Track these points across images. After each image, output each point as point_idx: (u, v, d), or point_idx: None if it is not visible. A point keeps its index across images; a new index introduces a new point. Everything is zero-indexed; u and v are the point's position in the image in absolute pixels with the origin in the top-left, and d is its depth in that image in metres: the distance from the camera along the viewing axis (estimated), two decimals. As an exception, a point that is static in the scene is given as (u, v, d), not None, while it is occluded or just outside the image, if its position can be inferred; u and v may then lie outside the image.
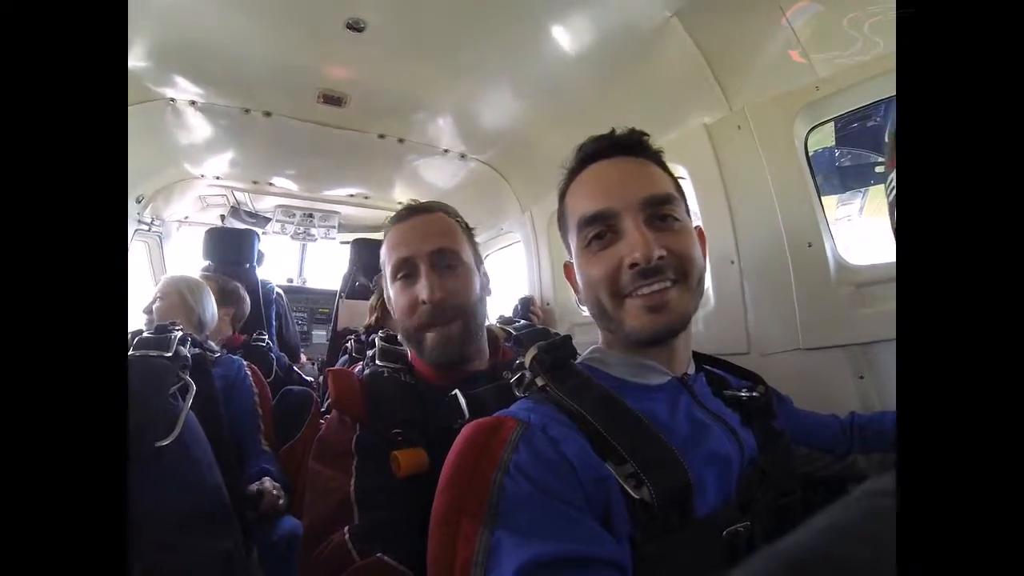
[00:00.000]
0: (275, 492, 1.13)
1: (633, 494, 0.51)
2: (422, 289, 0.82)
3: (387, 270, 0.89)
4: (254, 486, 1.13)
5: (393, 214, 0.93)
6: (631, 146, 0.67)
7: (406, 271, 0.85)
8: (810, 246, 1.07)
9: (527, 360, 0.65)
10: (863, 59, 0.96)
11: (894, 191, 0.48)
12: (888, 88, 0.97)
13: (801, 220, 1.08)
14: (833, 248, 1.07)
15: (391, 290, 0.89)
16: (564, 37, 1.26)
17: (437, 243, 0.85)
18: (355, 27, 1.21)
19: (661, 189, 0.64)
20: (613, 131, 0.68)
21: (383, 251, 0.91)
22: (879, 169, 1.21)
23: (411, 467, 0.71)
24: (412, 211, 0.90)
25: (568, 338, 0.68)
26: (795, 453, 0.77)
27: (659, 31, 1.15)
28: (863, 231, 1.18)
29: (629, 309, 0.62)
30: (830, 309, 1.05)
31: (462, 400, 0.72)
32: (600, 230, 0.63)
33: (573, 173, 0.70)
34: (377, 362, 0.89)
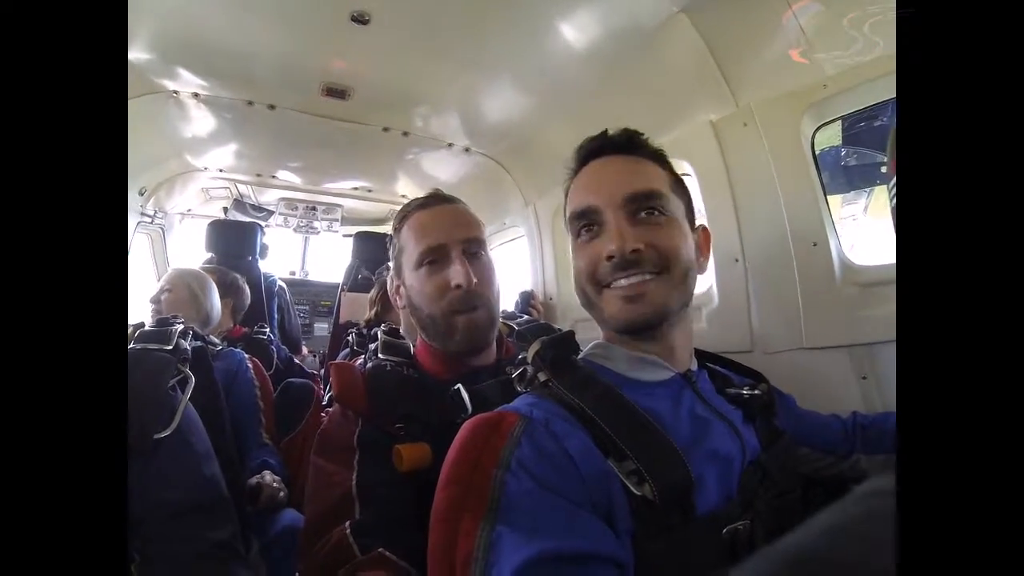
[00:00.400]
0: (275, 485, 1.14)
1: (635, 491, 0.51)
2: (456, 274, 0.81)
3: (409, 256, 0.87)
4: (253, 480, 1.13)
5: (408, 201, 0.93)
6: (623, 145, 0.70)
7: (435, 257, 0.84)
8: (815, 245, 1.06)
9: (529, 355, 0.65)
10: (865, 58, 0.95)
11: (895, 196, 0.49)
12: (894, 89, 0.96)
13: (806, 219, 1.07)
14: (838, 248, 1.06)
15: (413, 276, 0.86)
16: (570, 32, 1.25)
17: (468, 232, 0.86)
18: (360, 20, 1.20)
19: (645, 185, 0.66)
20: (606, 131, 0.71)
21: (404, 236, 0.89)
22: (884, 169, 1.20)
23: (414, 461, 0.71)
24: (437, 199, 0.90)
25: (571, 333, 0.68)
26: (797, 452, 0.77)
27: (665, 26, 1.14)
28: (868, 231, 1.17)
29: (607, 298, 0.64)
30: (834, 309, 1.04)
31: (465, 394, 0.72)
32: (586, 224, 0.66)
33: (574, 172, 0.73)
34: (379, 356, 0.89)
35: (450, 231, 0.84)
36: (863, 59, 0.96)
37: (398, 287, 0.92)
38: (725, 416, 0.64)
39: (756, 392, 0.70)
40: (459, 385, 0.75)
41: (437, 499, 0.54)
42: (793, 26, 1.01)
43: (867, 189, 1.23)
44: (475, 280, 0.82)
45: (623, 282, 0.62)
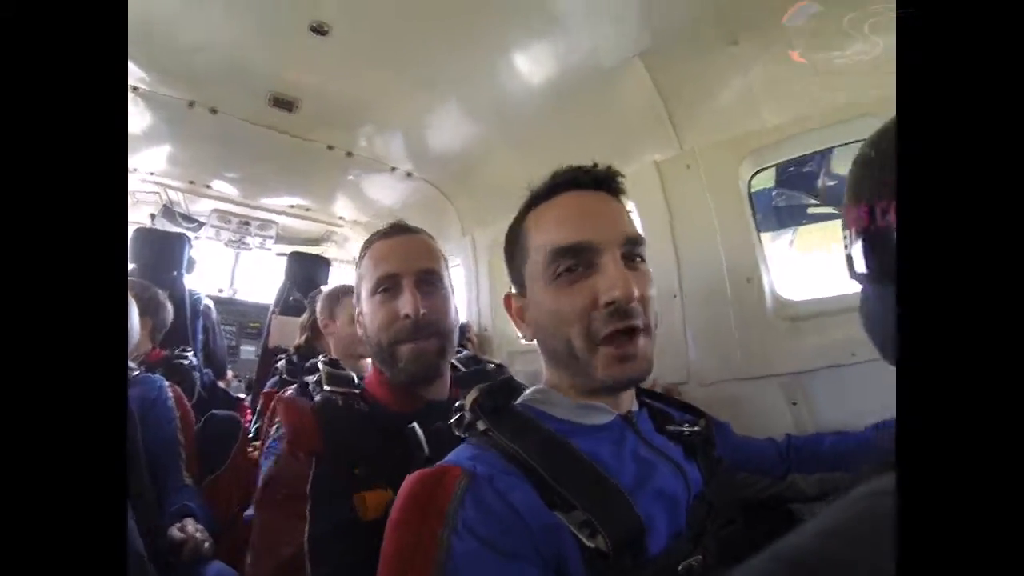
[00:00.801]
0: (198, 536, 1.01)
1: (588, 543, 0.50)
2: (405, 304, 0.81)
3: (365, 284, 0.87)
4: (174, 530, 1.01)
5: (375, 231, 0.92)
6: (609, 182, 0.66)
7: (388, 286, 0.84)
8: (749, 281, 1.13)
9: (468, 402, 0.62)
10: (809, 111, 1.06)
11: (849, 245, 0.53)
12: (826, 140, 1.08)
13: (742, 257, 1.14)
14: (771, 284, 1.14)
15: (366, 304, 0.87)
16: (528, 65, 1.28)
17: (424, 263, 0.85)
18: (319, 30, 1.17)
19: (636, 230, 0.63)
20: (595, 164, 0.66)
21: (364, 265, 0.89)
22: (812, 210, 1.32)
23: (379, 509, 0.67)
24: (399, 229, 0.90)
25: (510, 380, 0.66)
26: (737, 479, 0.80)
27: (621, 69, 1.19)
28: (797, 267, 1.27)
29: (602, 356, 0.59)
30: (766, 341, 1.11)
31: (420, 433, 0.69)
32: (573, 263, 0.59)
33: (540, 198, 0.66)
34: (325, 388, 0.84)
35: (405, 261, 0.84)
36: (807, 112, 1.06)
37: (359, 315, 0.91)
38: (668, 455, 0.64)
39: (696, 429, 0.70)
40: (414, 424, 0.73)
41: (382, 560, 0.51)
42: (739, 78, 1.10)
43: (795, 228, 1.34)
44: (423, 311, 0.81)
45: (622, 338, 0.58)
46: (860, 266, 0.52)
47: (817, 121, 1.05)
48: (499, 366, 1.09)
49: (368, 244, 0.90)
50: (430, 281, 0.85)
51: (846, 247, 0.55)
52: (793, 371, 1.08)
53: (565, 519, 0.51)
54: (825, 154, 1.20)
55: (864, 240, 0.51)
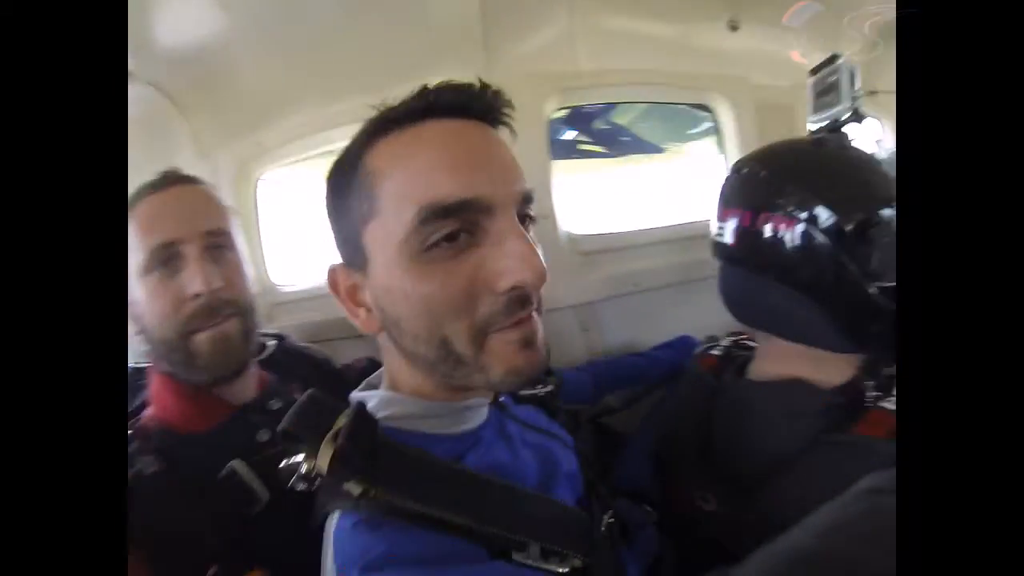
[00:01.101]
0: None
1: (560, 569, 0.44)
2: (193, 279, 0.64)
3: (135, 261, 0.66)
4: None
5: (140, 185, 0.68)
6: (496, 111, 0.48)
7: (166, 258, 0.65)
8: (546, 218, 1.16)
9: (323, 464, 0.42)
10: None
11: (723, 234, 0.67)
12: (636, 95, 1.20)
13: (540, 194, 1.15)
14: (564, 220, 1.20)
15: (139, 287, 0.66)
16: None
17: (209, 222, 0.68)
18: None
19: (528, 183, 0.48)
20: (484, 84, 0.47)
21: (129, 234, 0.66)
22: (581, 147, 1.42)
23: None
24: (172, 180, 0.70)
25: (362, 408, 0.46)
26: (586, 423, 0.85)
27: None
28: (583, 204, 1.37)
29: (496, 348, 0.44)
30: (562, 275, 1.18)
31: (247, 474, 0.54)
32: (455, 228, 0.43)
33: (396, 123, 0.46)
34: None
35: (186, 222, 0.66)
36: (623, 64, 1.09)
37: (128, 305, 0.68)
38: (548, 431, 0.60)
39: (549, 388, 0.68)
40: (232, 465, 0.56)
41: None
42: (566, 18, 1.06)
43: (567, 162, 1.43)
44: (219, 284, 0.65)
45: (519, 323, 0.44)
46: (729, 251, 0.67)
47: (631, 77, 1.11)
48: (279, 336, 0.90)
49: (131, 204, 0.67)
50: (219, 245, 0.68)
51: (720, 235, 0.69)
52: (585, 301, 1.20)
53: (525, 559, 0.43)
54: (613, 107, 1.31)
55: (737, 235, 0.65)
